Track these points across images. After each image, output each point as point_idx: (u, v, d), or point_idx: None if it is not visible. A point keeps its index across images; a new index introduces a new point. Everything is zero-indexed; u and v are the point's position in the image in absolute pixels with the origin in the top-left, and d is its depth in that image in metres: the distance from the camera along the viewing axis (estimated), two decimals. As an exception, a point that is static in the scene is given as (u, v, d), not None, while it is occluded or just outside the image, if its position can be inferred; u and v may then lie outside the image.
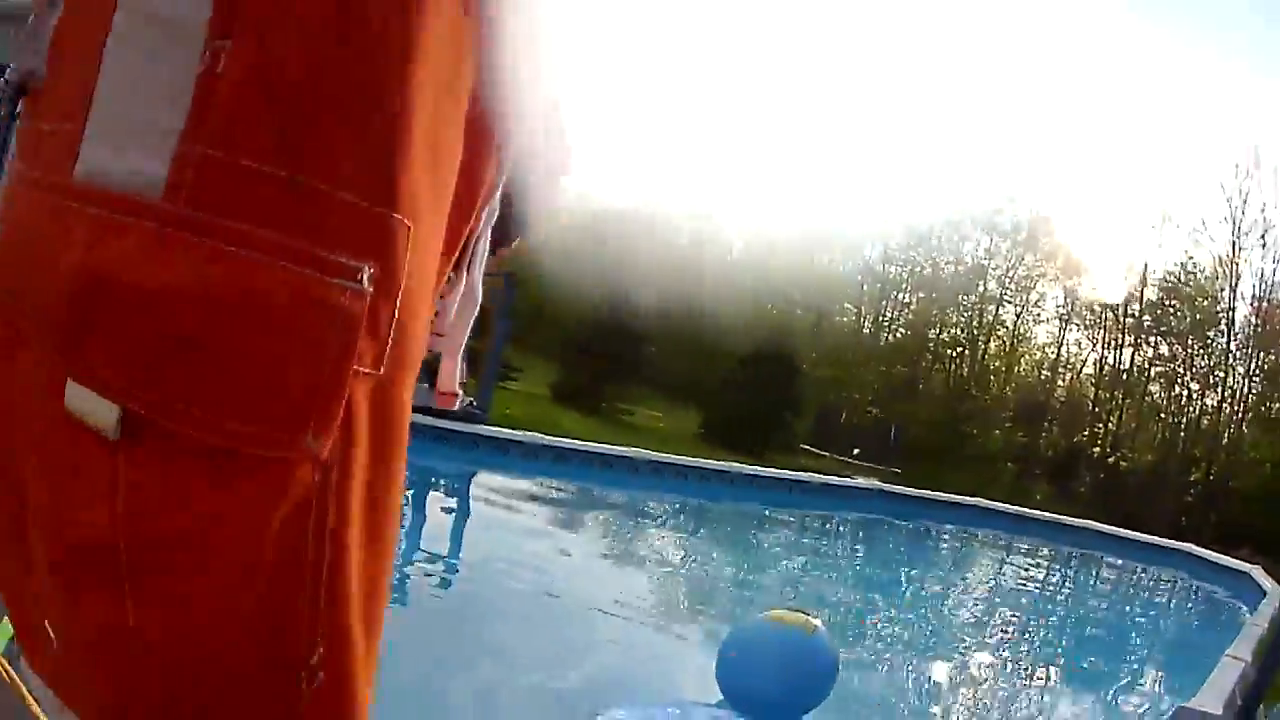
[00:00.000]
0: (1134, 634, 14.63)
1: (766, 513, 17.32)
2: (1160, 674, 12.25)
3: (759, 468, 20.09)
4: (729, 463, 19.34)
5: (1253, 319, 46.23)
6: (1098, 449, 47.30)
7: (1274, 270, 45.51)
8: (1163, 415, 48.10)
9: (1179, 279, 47.14)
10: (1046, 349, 50.11)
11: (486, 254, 1.35)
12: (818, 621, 5.95)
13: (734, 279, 48.73)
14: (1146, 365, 48.50)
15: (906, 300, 50.61)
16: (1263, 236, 45.41)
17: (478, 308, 1.35)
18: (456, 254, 1.24)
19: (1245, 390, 46.75)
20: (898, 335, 50.28)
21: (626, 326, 32.03)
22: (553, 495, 13.41)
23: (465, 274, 1.32)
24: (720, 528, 15.80)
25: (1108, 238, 54.35)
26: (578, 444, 15.47)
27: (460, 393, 1.37)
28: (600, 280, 38.26)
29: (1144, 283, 47.88)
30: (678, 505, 15.65)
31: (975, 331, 49.01)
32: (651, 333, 36.43)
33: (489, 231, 1.33)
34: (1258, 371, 46.43)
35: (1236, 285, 46.39)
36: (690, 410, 36.44)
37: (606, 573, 10.51)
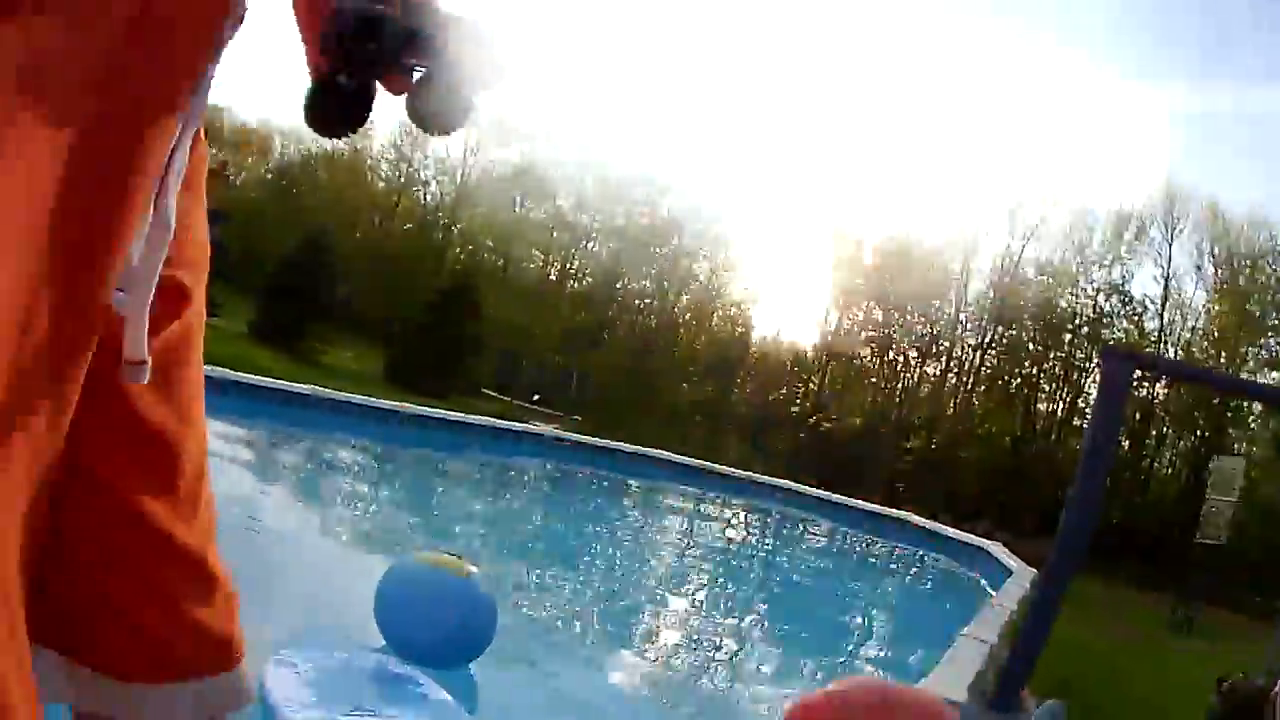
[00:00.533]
0: (849, 606, 14.19)
1: (441, 455, 17.02)
2: (885, 650, 11.69)
3: (434, 409, 19.71)
4: (404, 403, 18.93)
5: (990, 292, 46.63)
6: (797, 408, 47.55)
7: (1021, 247, 46.17)
8: (874, 380, 48.40)
9: (902, 247, 47.32)
10: (743, 306, 50.32)
11: (182, 175, 1.19)
12: (472, 566, 5.87)
13: (427, 223, 48.46)
14: (855, 329, 48.55)
15: (597, 250, 50.48)
16: (1011, 213, 46.05)
17: (167, 245, 1.17)
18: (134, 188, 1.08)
19: (976, 362, 47.32)
20: (585, 284, 50.09)
21: (324, 267, 31.50)
22: (234, 431, 13.02)
23: (153, 205, 1.14)
24: (393, 468, 15.31)
25: (827, 202, 54.64)
26: (260, 380, 15.00)
27: (149, 360, 1.20)
28: (301, 220, 37.71)
29: (859, 249, 48.41)
30: (354, 444, 15.26)
31: (666, 284, 49.17)
32: (348, 274, 35.88)
33: (185, 152, 1.18)
34: (993, 345, 46.89)
35: (972, 258, 47.09)
36: (380, 351, 35.99)
37: (278, 512, 10.24)
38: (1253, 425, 41.02)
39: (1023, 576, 14.14)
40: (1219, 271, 43.75)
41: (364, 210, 47.63)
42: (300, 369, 22.61)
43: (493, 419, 21.39)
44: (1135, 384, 38.92)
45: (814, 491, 23.23)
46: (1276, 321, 42.12)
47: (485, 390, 34.14)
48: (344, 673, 5.01)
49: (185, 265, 1.32)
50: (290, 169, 50.38)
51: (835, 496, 22.96)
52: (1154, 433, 43.56)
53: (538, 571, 10.87)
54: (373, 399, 17.42)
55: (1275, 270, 42.40)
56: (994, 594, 13.16)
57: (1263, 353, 42.18)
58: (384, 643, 5.71)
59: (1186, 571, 24.55)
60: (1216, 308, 43.50)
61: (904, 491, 38.24)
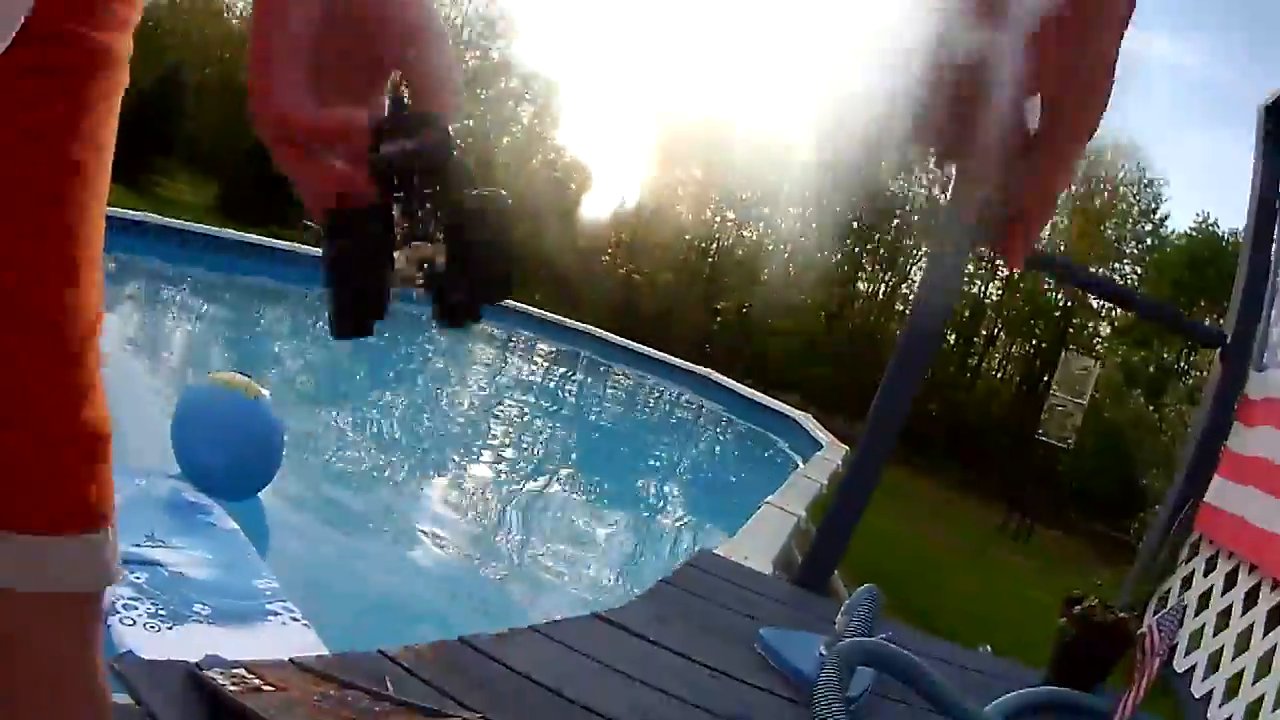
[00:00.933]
0: (652, 458, 14.03)
1: (260, 282, 16.60)
2: (686, 508, 11.54)
3: (255, 236, 19.06)
4: (226, 229, 18.33)
5: (817, 165, 45.05)
6: (607, 258, 46.90)
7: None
8: (689, 237, 47.31)
9: (730, 108, 45.57)
10: (562, 152, 49.59)
11: None
12: (263, 389, 5.88)
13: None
14: (674, 185, 47.43)
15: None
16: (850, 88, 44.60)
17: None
18: None
19: (797, 233, 45.96)
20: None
21: (174, 103, 30.90)
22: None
23: None
24: (213, 295, 14.94)
25: (660, 57, 53.30)
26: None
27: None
28: (161, 58, 36.68)
29: (686, 106, 47.17)
30: (176, 270, 14.78)
31: (489, 125, 48.48)
32: (196, 110, 35.07)
33: None
34: (815, 220, 45.34)
35: (796, 125, 45.65)
36: (215, 183, 35.33)
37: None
38: (1100, 349, 40.37)
39: (832, 452, 13.53)
40: (1073, 187, 42.99)
41: (216, 47, 46.45)
42: (139, 200, 21.91)
43: (309, 247, 20.73)
44: (966, 281, 38.64)
45: (623, 341, 22.78)
46: (1133, 251, 42.18)
47: (306, 222, 33.54)
48: (140, 500, 5.04)
49: (106, 26, 1.01)
50: (155, 9, 49.03)
51: (644, 348, 22.52)
52: (984, 332, 43.45)
53: (341, 401, 10.69)
54: (195, 224, 16.81)
55: (1138, 202, 42.31)
56: (801, 465, 12.68)
57: (1115, 278, 41.34)
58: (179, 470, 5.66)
59: (1024, 482, 24.35)
60: (1065, 222, 43.01)
61: (711, 352, 37.82)
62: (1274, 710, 4.34)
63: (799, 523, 7.44)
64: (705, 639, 3.96)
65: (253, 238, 18.34)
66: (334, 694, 2.54)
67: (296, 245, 19.73)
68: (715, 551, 5.55)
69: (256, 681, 2.59)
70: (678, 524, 10.44)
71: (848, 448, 13.38)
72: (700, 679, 3.61)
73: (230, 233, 17.82)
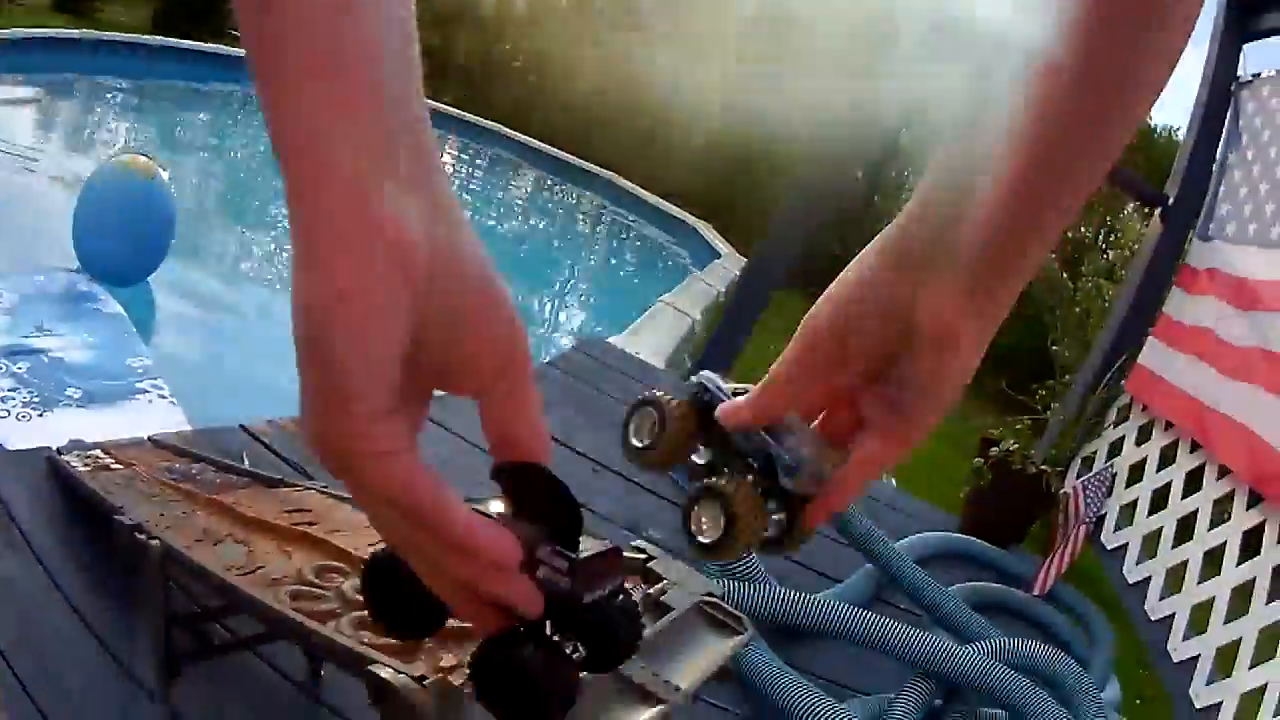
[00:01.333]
0: (552, 254, 14.01)
1: (185, 84, 16.89)
2: (581, 301, 11.70)
3: (190, 42, 18.77)
4: (152, 36, 18.24)
5: None
6: (519, 63, 44.95)
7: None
8: (598, 44, 45.39)
9: None
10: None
11: None
12: (162, 170, 5.83)
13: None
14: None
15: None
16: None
17: None
18: None
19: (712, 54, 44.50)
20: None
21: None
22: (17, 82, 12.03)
23: None
24: (142, 99, 15.10)
25: None
26: (41, 32, 13.80)
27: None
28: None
29: None
30: (109, 79, 14.55)
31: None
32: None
33: None
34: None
35: None
36: (150, 4, 34.67)
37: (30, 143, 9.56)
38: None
39: (731, 261, 13.21)
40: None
41: None
42: (78, 23, 21.43)
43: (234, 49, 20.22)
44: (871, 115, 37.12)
45: (528, 140, 22.65)
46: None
47: (232, 30, 32.99)
48: (36, 296, 5.10)
49: None
50: None
51: (549, 148, 22.33)
52: (892, 174, 42.90)
53: (246, 191, 10.57)
54: (124, 35, 16.48)
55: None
56: (698, 271, 12.50)
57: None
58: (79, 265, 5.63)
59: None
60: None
61: (621, 164, 37.34)
62: (1227, 622, 3.87)
63: (693, 325, 7.25)
64: (588, 429, 3.76)
65: (173, 41, 18.00)
66: (180, 467, 2.42)
67: (219, 47, 19.26)
68: (605, 338, 5.37)
69: (108, 460, 2.47)
70: (574, 315, 10.37)
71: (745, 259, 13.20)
72: (579, 472, 3.43)
73: (160, 39, 17.84)
